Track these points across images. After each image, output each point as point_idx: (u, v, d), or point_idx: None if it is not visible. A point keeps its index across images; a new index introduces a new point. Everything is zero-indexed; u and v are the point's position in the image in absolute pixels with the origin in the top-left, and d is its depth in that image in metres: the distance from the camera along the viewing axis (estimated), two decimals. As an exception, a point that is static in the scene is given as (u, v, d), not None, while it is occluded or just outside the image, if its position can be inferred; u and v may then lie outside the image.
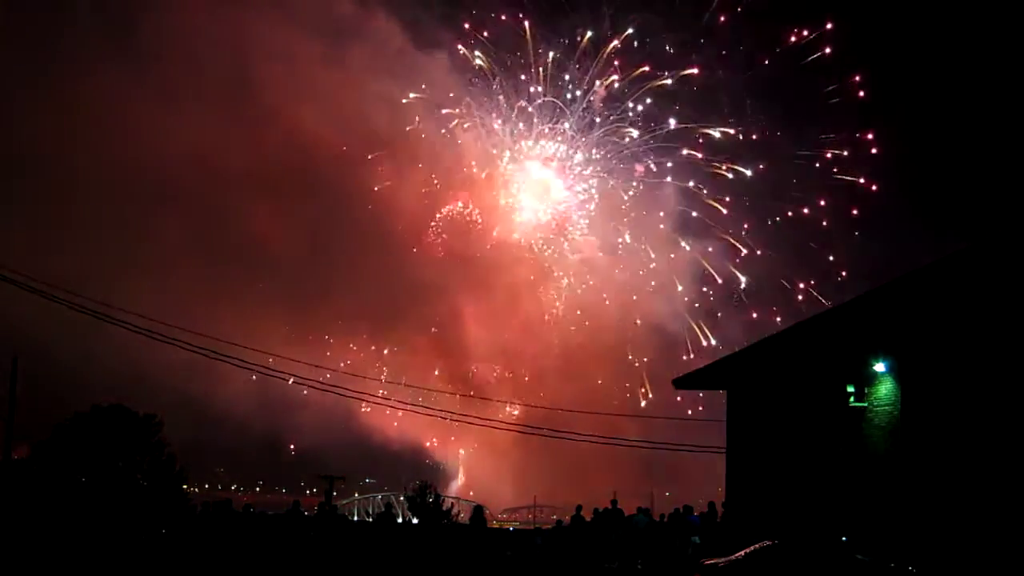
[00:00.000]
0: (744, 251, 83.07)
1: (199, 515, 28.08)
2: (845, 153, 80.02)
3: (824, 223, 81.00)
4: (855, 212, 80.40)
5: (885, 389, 20.13)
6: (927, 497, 18.59)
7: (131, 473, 34.75)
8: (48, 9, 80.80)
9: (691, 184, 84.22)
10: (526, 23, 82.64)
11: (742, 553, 18.28)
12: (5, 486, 29.33)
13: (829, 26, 78.42)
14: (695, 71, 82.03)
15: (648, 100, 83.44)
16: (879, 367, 20.14)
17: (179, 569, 23.01)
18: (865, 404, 20.57)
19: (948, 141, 77.59)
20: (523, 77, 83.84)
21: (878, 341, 20.26)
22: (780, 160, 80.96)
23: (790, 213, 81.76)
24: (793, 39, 79.54)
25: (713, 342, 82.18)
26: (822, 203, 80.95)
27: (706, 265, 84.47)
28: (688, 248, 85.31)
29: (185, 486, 38.17)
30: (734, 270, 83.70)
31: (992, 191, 69.32)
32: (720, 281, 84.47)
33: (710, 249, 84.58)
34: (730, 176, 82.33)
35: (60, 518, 27.34)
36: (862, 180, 79.73)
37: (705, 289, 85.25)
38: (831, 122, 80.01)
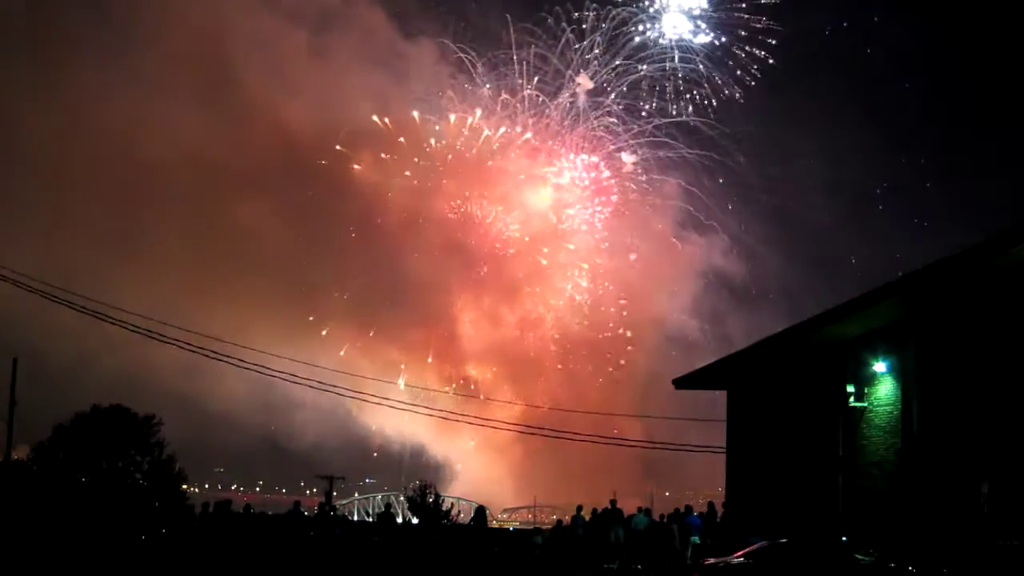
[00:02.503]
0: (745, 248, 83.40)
1: (199, 515, 28.05)
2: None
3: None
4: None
5: (885, 389, 20.07)
6: (927, 497, 18.55)
7: (131, 473, 34.74)
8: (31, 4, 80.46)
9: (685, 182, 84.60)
10: (508, 15, 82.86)
11: (742, 553, 18.28)
12: (5, 486, 29.32)
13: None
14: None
15: (634, 91, 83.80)
16: (879, 367, 20.09)
17: (179, 569, 22.98)
18: (865, 404, 20.55)
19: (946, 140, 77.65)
20: (505, 70, 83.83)
21: (878, 341, 20.23)
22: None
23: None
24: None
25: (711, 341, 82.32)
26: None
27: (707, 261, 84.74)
28: (685, 244, 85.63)
29: (185, 486, 38.13)
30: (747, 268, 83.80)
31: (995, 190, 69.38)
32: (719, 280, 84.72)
33: (708, 245, 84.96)
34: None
35: (60, 518, 27.32)
36: None
37: (704, 282, 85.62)
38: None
